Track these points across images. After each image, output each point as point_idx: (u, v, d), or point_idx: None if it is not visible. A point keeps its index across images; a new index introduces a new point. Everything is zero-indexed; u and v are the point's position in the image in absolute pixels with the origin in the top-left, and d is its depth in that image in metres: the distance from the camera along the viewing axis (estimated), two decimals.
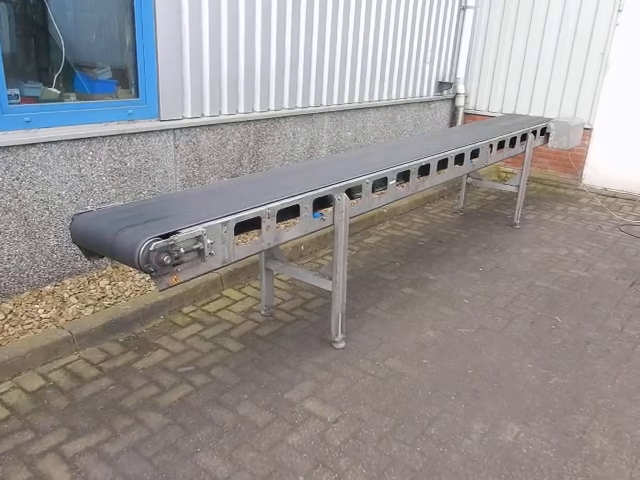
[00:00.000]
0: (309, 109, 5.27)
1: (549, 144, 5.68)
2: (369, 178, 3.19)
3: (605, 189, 6.79)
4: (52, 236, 3.59)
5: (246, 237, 4.12)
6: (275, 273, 3.71)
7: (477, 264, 4.60)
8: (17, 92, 3.38)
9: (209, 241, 2.31)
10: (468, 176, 5.64)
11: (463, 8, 7.04)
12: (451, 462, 2.45)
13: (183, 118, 4.17)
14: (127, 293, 3.62)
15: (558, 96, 6.86)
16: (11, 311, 3.30)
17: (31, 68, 3.77)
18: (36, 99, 3.52)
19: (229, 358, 3.16)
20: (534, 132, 5.33)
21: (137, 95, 3.91)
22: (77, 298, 3.51)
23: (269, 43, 4.67)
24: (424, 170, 3.72)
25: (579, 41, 6.56)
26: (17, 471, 2.31)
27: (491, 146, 4.57)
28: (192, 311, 3.67)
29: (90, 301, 3.48)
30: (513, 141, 4.99)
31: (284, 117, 5.03)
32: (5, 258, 3.39)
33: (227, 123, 4.51)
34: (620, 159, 6.60)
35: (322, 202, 2.98)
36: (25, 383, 2.86)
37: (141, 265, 2.08)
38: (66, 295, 3.54)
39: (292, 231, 2.84)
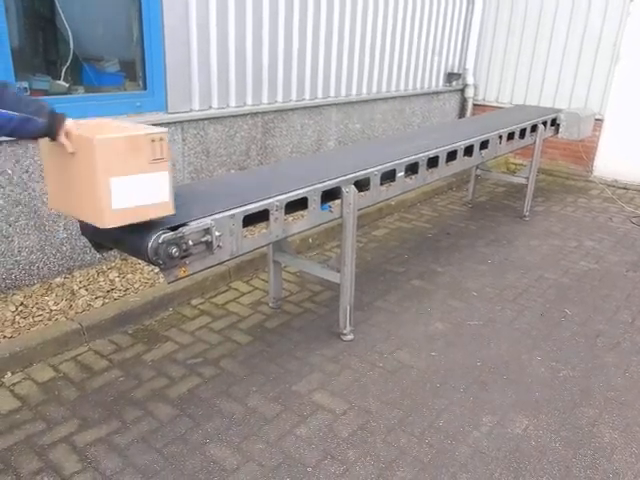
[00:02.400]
0: (317, 101, 5.25)
1: (559, 135, 5.61)
2: (377, 170, 3.17)
3: (616, 181, 6.71)
4: (62, 229, 3.61)
5: (254, 229, 4.12)
6: (283, 265, 3.71)
7: (486, 256, 4.57)
8: (26, 85, 3.38)
9: (217, 233, 2.31)
10: (477, 168, 5.59)
11: None
12: (459, 454, 2.45)
13: (191, 110, 4.16)
14: (136, 285, 3.64)
15: (569, 87, 6.77)
16: (22, 303, 3.33)
17: (39, 61, 3.78)
18: (45, 92, 3.52)
19: (237, 350, 3.17)
20: (544, 123, 5.27)
21: (145, 87, 3.91)
22: (87, 290, 3.54)
23: (276, 35, 4.64)
24: (433, 162, 3.69)
25: (590, 30, 6.46)
26: (29, 461, 2.34)
27: (500, 137, 4.53)
28: (200, 303, 3.68)
29: (99, 293, 3.51)
30: (523, 132, 4.94)
31: (292, 109, 5.01)
32: (16, 251, 3.42)
33: (235, 115, 4.49)
34: (631, 150, 6.51)
35: (330, 194, 2.97)
36: (36, 374, 2.89)
37: (150, 257, 2.08)
38: (76, 287, 3.56)
39: (300, 223, 2.84)
